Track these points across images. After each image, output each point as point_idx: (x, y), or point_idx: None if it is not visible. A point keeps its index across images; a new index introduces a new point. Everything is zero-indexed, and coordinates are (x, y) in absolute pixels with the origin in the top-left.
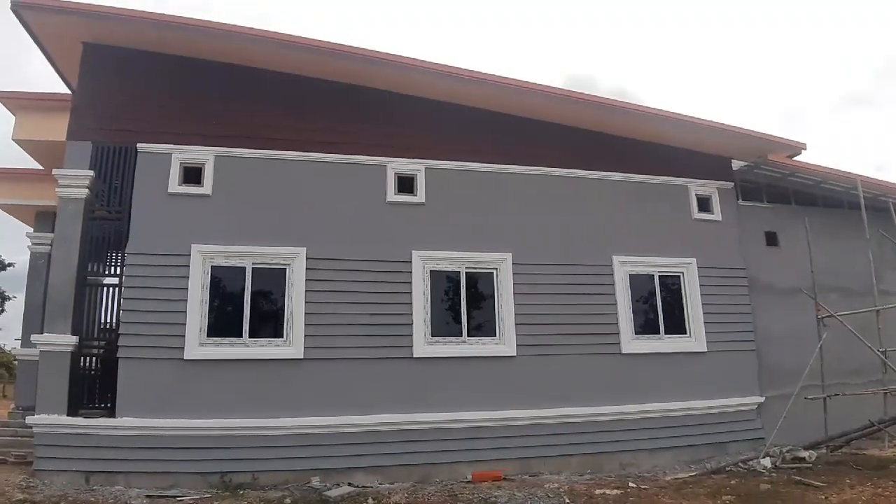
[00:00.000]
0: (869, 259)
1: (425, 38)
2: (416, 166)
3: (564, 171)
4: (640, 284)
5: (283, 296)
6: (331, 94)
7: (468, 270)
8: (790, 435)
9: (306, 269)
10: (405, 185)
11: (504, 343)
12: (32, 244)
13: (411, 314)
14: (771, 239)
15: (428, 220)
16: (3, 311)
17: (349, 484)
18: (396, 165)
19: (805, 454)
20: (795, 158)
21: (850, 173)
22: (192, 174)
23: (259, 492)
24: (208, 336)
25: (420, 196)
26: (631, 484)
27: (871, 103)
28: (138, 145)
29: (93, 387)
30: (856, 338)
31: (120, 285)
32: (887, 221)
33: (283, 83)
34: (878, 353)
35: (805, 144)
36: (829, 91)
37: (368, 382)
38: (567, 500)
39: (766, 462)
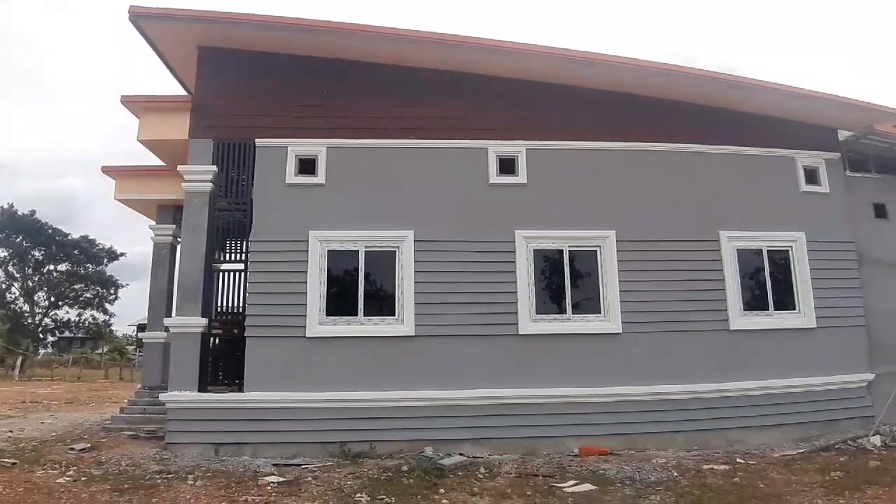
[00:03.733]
0: None
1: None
2: (516, 148)
3: (667, 146)
4: (747, 259)
5: (394, 276)
6: (431, 82)
7: (571, 248)
8: None
9: (414, 250)
10: (507, 166)
11: (609, 320)
12: (156, 235)
13: (516, 292)
14: (880, 211)
15: (530, 200)
16: (116, 298)
17: (460, 454)
18: (497, 147)
19: None
20: None
21: None
22: (307, 165)
23: (377, 460)
24: (327, 315)
25: (522, 177)
26: (739, 460)
27: None
28: (256, 140)
29: (220, 365)
30: None
31: (245, 270)
32: None
33: (386, 74)
34: None
35: None
36: None
37: (476, 358)
38: (675, 474)
39: (876, 440)
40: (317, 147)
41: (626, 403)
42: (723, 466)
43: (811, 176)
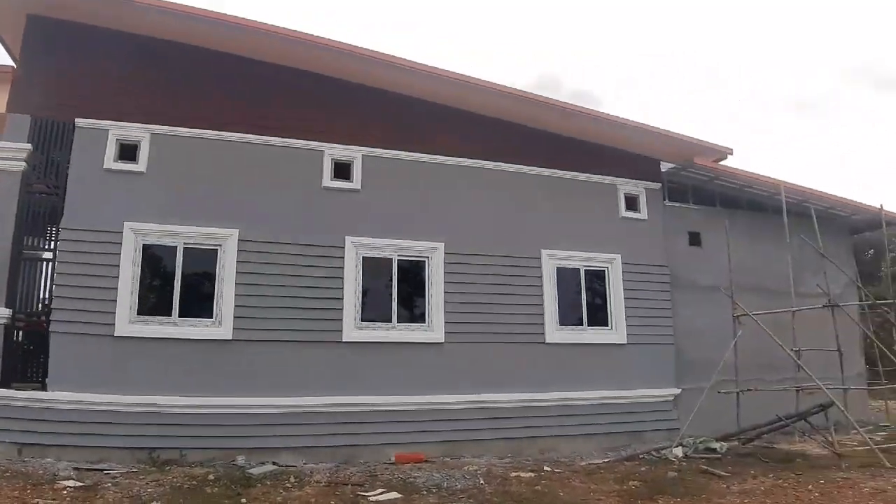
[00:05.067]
0: (788, 262)
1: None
2: (353, 153)
3: (498, 165)
4: (566, 277)
5: (214, 276)
6: (270, 78)
7: (400, 258)
8: (707, 427)
9: (238, 250)
10: (342, 171)
11: (433, 330)
12: None
13: (342, 299)
14: (694, 239)
15: (363, 207)
16: None
17: (273, 463)
18: (334, 151)
19: (717, 445)
20: (722, 163)
21: (773, 179)
22: (128, 151)
23: (185, 468)
24: (138, 314)
25: (356, 182)
26: (546, 468)
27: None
28: (76, 120)
29: (27, 360)
30: (773, 336)
31: (54, 259)
32: (808, 226)
33: (224, 65)
34: (790, 353)
35: (731, 149)
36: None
37: (297, 365)
38: (482, 482)
39: (678, 451)
40: (140, 133)
41: (445, 412)
42: (530, 474)
43: (631, 203)
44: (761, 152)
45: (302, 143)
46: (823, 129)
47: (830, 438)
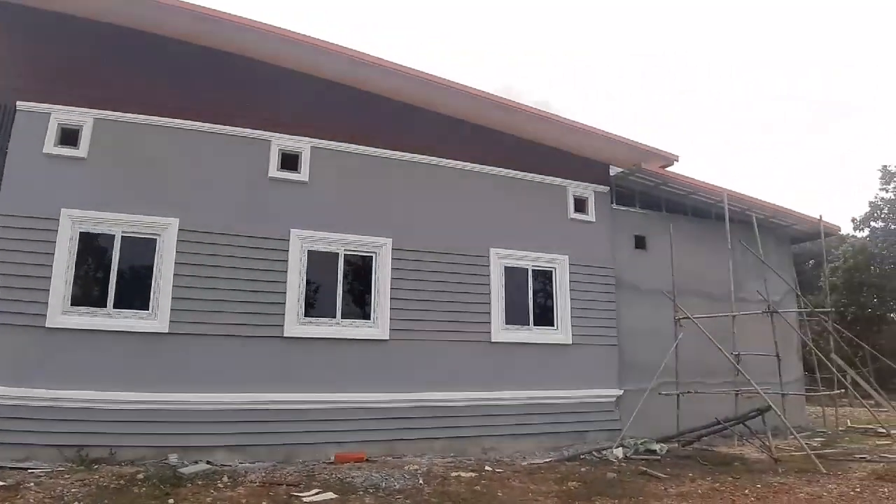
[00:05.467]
0: (730, 268)
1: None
2: (301, 144)
3: (449, 162)
4: (514, 277)
5: (152, 267)
6: (218, 65)
7: (347, 253)
8: (649, 428)
9: (178, 240)
10: (289, 162)
11: (378, 326)
12: None
13: (285, 293)
14: (640, 242)
15: (309, 200)
16: None
17: (207, 462)
18: (281, 142)
19: (657, 447)
20: (669, 169)
21: (717, 186)
22: (70, 136)
23: (115, 467)
24: (72, 304)
25: (304, 174)
26: (487, 467)
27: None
28: (17, 103)
29: None
30: (713, 340)
31: None
32: (750, 233)
33: (172, 51)
34: (730, 357)
35: (677, 156)
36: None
37: (236, 360)
38: (421, 482)
39: (619, 452)
40: (83, 117)
41: (388, 410)
42: (470, 474)
43: (580, 205)
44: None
45: (249, 132)
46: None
47: (768, 443)
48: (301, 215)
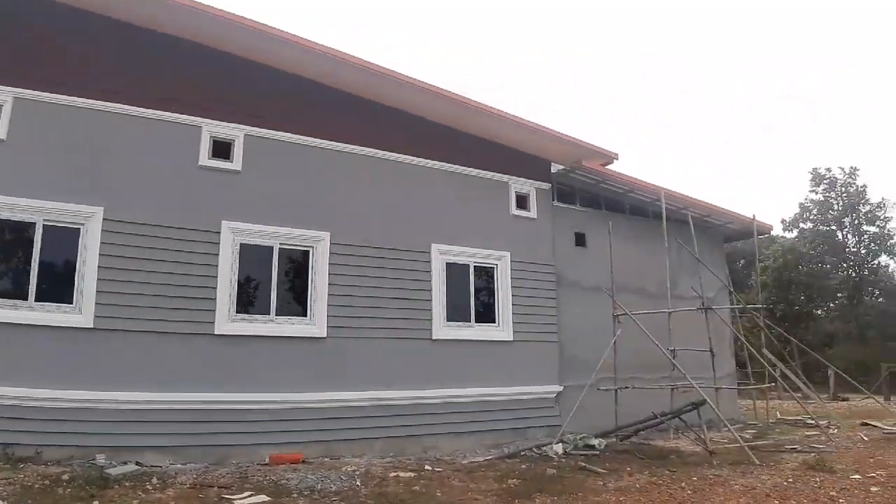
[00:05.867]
0: (666, 266)
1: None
2: (235, 131)
3: (392, 155)
4: (455, 273)
5: (76, 258)
6: (150, 46)
7: (282, 246)
8: (588, 423)
9: (102, 230)
10: (221, 149)
11: (315, 323)
12: None
13: (216, 288)
14: (580, 240)
15: (243, 190)
16: None
17: (137, 463)
18: (213, 128)
19: (595, 442)
20: (608, 167)
21: (655, 185)
22: None
23: (41, 466)
24: None
25: (237, 163)
26: (427, 467)
27: None
28: None
29: None
30: (650, 335)
31: None
32: (686, 232)
33: (100, 29)
34: (666, 352)
35: (617, 154)
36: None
37: (164, 358)
38: (359, 483)
39: (559, 448)
40: (2, 96)
41: (325, 410)
42: (410, 474)
43: (522, 201)
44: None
45: (179, 117)
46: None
47: (703, 436)
48: (233, 206)
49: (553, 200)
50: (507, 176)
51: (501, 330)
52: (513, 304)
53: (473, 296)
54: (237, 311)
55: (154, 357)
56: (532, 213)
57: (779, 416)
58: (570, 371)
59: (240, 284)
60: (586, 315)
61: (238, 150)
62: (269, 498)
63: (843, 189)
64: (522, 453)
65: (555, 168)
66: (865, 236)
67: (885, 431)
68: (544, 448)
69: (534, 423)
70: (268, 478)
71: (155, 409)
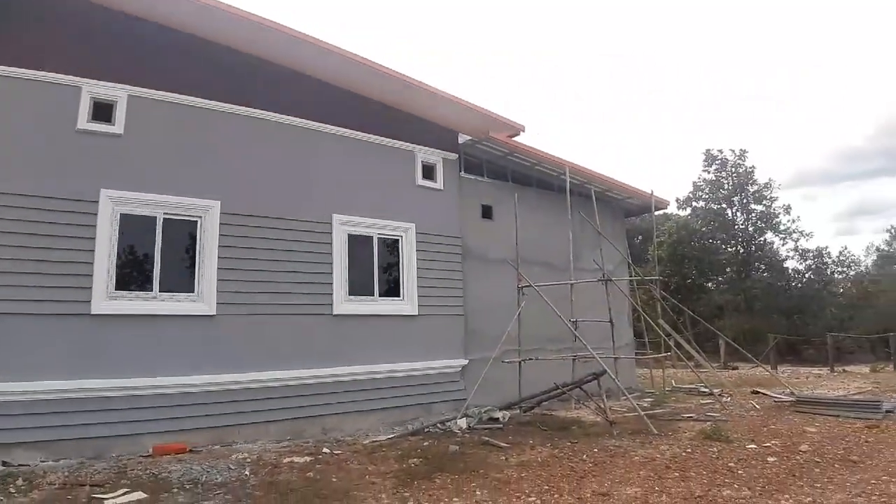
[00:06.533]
0: (570, 238)
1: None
2: (117, 92)
3: (291, 119)
4: (358, 245)
5: None
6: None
7: (167, 216)
8: (494, 396)
9: None
10: (102, 112)
11: (203, 300)
12: None
13: (92, 263)
14: (487, 212)
15: (125, 156)
16: None
17: (3, 462)
18: (93, 88)
19: (499, 415)
20: (515, 139)
21: (560, 159)
22: None
23: None
24: None
25: (118, 127)
26: (325, 450)
27: None
28: None
29: None
30: (553, 307)
31: None
32: (589, 206)
33: None
34: (568, 323)
35: (524, 126)
36: None
37: (31, 342)
38: (248, 472)
39: (463, 423)
40: None
41: (215, 394)
42: (305, 458)
43: (428, 172)
44: None
45: (55, 76)
46: None
47: (602, 405)
48: (114, 174)
49: (460, 172)
50: (413, 145)
51: (406, 304)
52: (418, 278)
53: (377, 269)
54: (116, 289)
55: (18, 341)
56: (438, 183)
57: (674, 384)
58: (475, 344)
59: (120, 259)
60: (492, 288)
61: (121, 113)
62: (145, 495)
63: (734, 170)
64: (426, 430)
65: (462, 139)
66: (753, 214)
67: (775, 399)
68: (448, 423)
69: (439, 398)
70: (148, 471)
71: (19, 400)
